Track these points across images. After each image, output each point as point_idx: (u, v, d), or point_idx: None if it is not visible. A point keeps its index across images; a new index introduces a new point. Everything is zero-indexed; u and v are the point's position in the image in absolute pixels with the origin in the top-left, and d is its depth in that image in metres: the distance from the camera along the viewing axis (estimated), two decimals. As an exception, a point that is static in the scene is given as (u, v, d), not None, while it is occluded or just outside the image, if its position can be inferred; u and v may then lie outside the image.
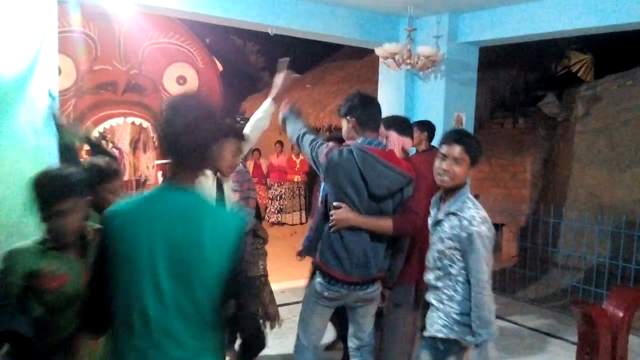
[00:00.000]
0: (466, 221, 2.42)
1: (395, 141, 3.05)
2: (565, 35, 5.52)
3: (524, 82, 8.40)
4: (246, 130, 3.36)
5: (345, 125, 2.91)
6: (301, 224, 10.69)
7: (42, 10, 3.80)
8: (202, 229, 1.59)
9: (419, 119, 5.52)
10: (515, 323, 5.14)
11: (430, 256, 2.60)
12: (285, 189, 10.87)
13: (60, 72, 4.33)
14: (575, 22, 4.98)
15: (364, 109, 2.85)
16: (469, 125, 6.21)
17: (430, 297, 2.57)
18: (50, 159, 3.94)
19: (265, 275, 3.88)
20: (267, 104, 3.51)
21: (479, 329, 2.35)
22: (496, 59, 7.84)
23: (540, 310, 5.54)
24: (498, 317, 5.20)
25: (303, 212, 10.92)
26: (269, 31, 5.48)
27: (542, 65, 8.57)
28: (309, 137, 2.91)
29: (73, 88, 8.81)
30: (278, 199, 10.83)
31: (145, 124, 9.72)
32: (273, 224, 10.57)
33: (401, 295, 3.20)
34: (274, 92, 3.52)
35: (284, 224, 10.68)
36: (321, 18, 5.58)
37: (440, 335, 2.47)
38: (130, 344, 1.61)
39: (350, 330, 3.05)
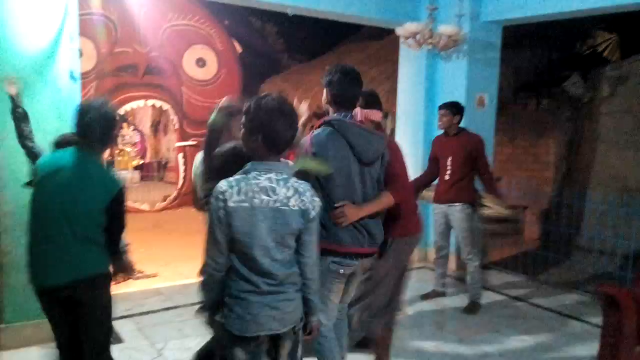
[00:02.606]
0: None
1: (359, 114, 3.04)
2: (590, 14, 5.39)
3: (548, 62, 8.25)
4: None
5: (324, 94, 2.94)
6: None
7: (63, -8, 3.81)
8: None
9: (440, 100, 5.47)
10: (538, 306, 5.10)
11: None
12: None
13: (81, 54, 4.34)
14: (601, 1, 4.86)
15: (343, 84, 2.87)
16: (491, 107, 6.13)
17: None
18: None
19: None
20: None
21: None
22: (520, 39, 7.70)
23: (563, 293, 5.48)
24: (520, 299, 5.19)
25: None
26: (288, 12, 5.44)
27: (567, 45, 8.41)
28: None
29: (94, 71, 8.86)
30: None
31: (166, 107, 9.77)
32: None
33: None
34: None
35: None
36: (341, -3, 5.52)
37: None
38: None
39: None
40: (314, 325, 2.32)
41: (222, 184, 2.07)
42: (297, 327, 2.23)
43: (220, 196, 2.05)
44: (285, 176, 2.14)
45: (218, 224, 2.06)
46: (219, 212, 2.05)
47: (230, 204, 2.04)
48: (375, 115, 3.24)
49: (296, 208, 2.11)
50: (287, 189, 2.12)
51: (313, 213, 2.16)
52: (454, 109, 4.81)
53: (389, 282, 3.39)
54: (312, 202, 2.16)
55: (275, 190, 2.09)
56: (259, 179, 2.09)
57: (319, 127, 2.88)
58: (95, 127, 2.60)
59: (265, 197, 2.07)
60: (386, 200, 2.96)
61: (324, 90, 2.94)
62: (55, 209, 2.54)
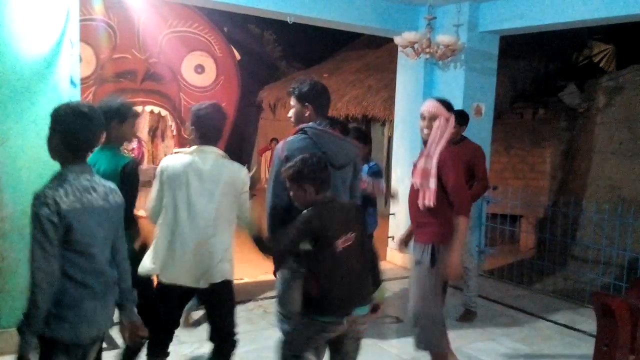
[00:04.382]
0: None
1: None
2: (587, 24, 5.44)
3: (544, 72, 8.30)
4: None
5: (298, 107, 3.03)
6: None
7: (64, -2, 3.83)
8: None
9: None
10: (533, 314, 5.11)
11: None
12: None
13: (80, 60, 4.36)
14: (598, 12, 4.91)
15: (321, 98, 3.04)
16: (488, 116, 6.16)
17: None
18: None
19: None
20: None
21: None
22: (517, 49, 7.76)
23: (558, 302, 5.50)
24: (515, 308, 5.20)
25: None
26: (287, 19, 5.48)
27: (563, 55, 8.47)
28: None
29: (93, 76, 8.89)
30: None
31: (164, 113, 9.79)
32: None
33: (418, 254, 3.36)
34: None
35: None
36: (339, 6, 5.56)
37: None
38: None
39: None
40: None
41: (46, 192, 2.01)
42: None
43: (50, 201, 1.98)
44: (95, 176, 2.21)
45: (52, 231, 1.98)
46: (52, 218, 1.97)
47: (64, 206, 2.00)
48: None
49: (115, 203, 2.24)
50: (103, 186, 2.21)
51: (124, 208, 2.31)
52: (461, 118, 4.72)
53: (440, 290, 3.40)
54: (120, 194, 2.30)
55: (96, 189, 2.16)
56: (79, 180, 2.11)
57: (294, 134, 3.00)
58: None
59: (90, 196, 2.12)
60: (463, 225, 3.19)
61: (298, 104, 3.02)
62: None
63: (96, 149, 2.76)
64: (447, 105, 3.36)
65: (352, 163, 3.05)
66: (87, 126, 2.13)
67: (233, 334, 3.10)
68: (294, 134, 2.99)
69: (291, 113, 3.08)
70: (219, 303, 3.06)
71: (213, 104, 3.01)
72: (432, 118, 3.29)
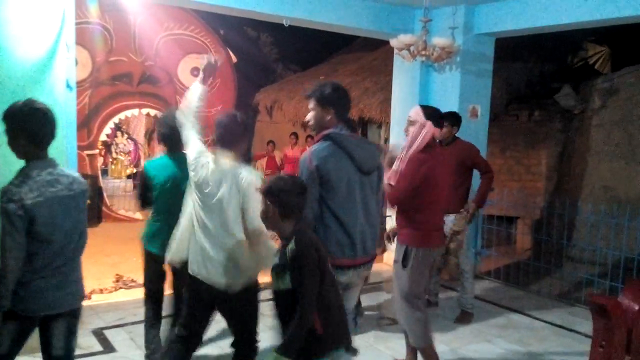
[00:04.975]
0: None
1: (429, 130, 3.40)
2: (582, 26, 5.46)
3: (540, 74, 8.31)
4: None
5: (319, 111, 2.95)
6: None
7: (60, 1, 3.83)
8: None
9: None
10: (529, 316, 5.13)
11: None
12: (299, 180, 10.86)
13: (76, 63, 4.36)
14: (593, 13, 4.93)
15: (343, 101, 3.00)
16: (484, 118, 6.19)
17: None
18: (67, 148, 3.99)
19: None
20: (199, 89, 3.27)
21: None
22: (512, 51, 7.77)
23: (554, 304, 5.51)
24: (511, 309, 5.22)
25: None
26: (284, 22, 5.48)
27: (558, 57, 8.48)
28: None
29: (89, 79, 8.88)
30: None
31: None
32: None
33: (397, 253, 3.52)
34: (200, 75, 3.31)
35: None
36: (335, 9, 5.57)
37: None
38: None
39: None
40: None
41: (12, 189, 2.27)
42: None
43: (16, 197, 2.25)
44: (58, 168, 2.43)
45: (19, 222, 2.24)
46: (18, 212, 2.24)
47: (28, 202, 2.25)
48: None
49: (79, 190, 2.49)
50: (67, 176, 2.45)
51: (87, 194, 2.58)
52: (453, 120, 4.82)
53: (414, 290, 3.48)
54: (84, 182, 2.56)
55: (60, 181, 2.40)
56: (41, 176, 2.34)
57: (317, 141, 2.94)
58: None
59: (53, 189, 2.36)
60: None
61: (317, 107, 2.93)
62: None
63: (165, 155, 3.45)
64: (429, 111, 3.46)
65: (377, 167, 3.06)
66: (46, 120, 2.37)
67: (255, 340, 3.12)
68: (318, 141, 2.94)
69: (310, 117, 2.98)
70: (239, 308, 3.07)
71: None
72: (411, 124, 3.45)
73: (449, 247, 4.61)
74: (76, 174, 2.54)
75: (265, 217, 2.40)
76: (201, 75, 3.25)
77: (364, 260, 2.99)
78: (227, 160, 2.91)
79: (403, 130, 3.54)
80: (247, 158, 3.30)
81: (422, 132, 3.37)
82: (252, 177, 2.89)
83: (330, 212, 2.85)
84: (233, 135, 2.98)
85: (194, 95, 3.16)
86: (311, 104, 2.96)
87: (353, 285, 3.08)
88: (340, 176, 2.84)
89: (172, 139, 3.46)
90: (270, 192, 2.35)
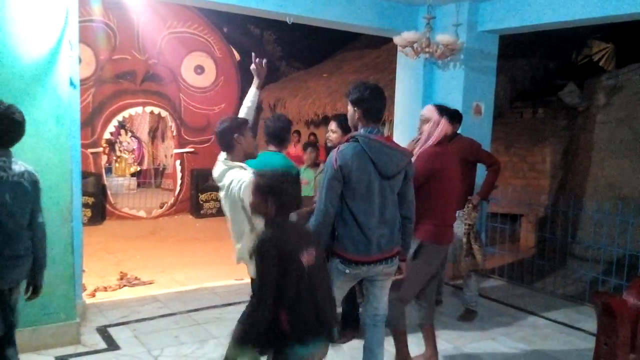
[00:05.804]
0: None
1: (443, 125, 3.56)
2: (587, 23, 5.43)
3: (544, 71, 8.29)
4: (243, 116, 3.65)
5: (350, 110, 3.10)
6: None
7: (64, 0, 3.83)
8: None
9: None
10: (533, 313, 5.12)
11: None
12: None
13: (80, 61, 4.37)
14: (597, 10, 4.90)
15: (372, 102, 3.04)
16: (488, 115, 6.16)
17: None
18: (71, 146, 4.00)
19: None
20: (253, 92, 3.75)
21: None
22: (516, 48, 7.76)
23: (558, 301, 5.50)
24: (515, 307, 5.21)
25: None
26: (287, 20, 5.48)
27: (563, 54, 8.46)
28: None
29: (93, 77, 8.90)
30: (295, 188, 10.80)
31: (164, 113, 9.79)
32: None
33: (412, 248, 3.51)
34: (256, 82, 3.77)
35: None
36: (339, 6, 5.55)
37: None
38: None
39: (369, 300, 3.26)
40: None
41: None
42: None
43: None
44: (12, 159, 2.79)
45: None
46: None
47: None
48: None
49: (30, 180, 2.82)
50: (19, 167, 2.80)
51: (39, 185, 2.89)
52: (454, 117, 4.81)
53: (414, 283, 3.55)
54: (37, 175, 2.88)
55: (11, 167, 2.76)
56: None
57: (346, 142, 3.05)
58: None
59: (3, 173, 2.71)
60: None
61: (351, 108, 3.08)
62: None
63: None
64: (441, 109, 3.62)
65: (403, 171, 3.08)
66: (11, 126, 2.75)
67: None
68: (346, 141, 3.06)
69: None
70: None
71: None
72: (425, 121, 3.58)
73: (472, 248, 4.68)
74: (31, 168, 2.89)
75: (253, 208, 2.57)
76: (256, 81, 3.70)
77: (381, 257, 3.03)
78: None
79: (417, 129, 3.68)
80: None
81: (438, 128, 3.53)
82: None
83: (349, 210, 2.96)
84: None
85: (247, 99, 3.67)
86: (348, 104, 3.12)
87: (377, 279, 3.15)
88: (361, 178, 2.94)
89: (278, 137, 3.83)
90: (256, 188, 2.52)
